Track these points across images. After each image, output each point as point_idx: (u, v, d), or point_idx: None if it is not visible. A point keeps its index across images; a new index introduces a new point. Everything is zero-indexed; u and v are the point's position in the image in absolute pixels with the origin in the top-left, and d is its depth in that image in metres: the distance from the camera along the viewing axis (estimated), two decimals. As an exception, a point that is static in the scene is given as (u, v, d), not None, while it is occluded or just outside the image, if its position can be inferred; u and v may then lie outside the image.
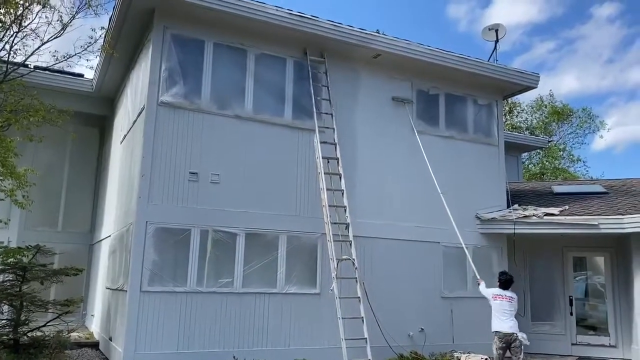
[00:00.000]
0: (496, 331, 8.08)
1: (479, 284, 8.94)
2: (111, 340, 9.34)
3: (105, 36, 9.76)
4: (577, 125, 32.54)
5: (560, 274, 12.13)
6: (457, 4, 49.95)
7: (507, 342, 7.97)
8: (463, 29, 50.11)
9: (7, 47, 8.79)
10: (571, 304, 11.92)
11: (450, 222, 9.98)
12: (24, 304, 8.81)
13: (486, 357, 9.13)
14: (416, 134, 10.90)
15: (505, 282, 8.39)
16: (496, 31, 13.03)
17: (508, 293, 8.28)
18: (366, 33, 10.38)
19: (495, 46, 12.94)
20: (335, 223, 9.36)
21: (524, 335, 8.02)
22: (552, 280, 12.18)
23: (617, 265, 11.71)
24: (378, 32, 11.01)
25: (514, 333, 7.94)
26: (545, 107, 32.56)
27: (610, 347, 11.50)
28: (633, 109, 49.18)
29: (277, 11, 9.48)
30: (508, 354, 8.09)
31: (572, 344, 11.73)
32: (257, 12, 9.31)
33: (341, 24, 10.14)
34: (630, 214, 10.56)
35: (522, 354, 8.00)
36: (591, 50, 50.08)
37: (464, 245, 9.80)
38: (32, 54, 8.97)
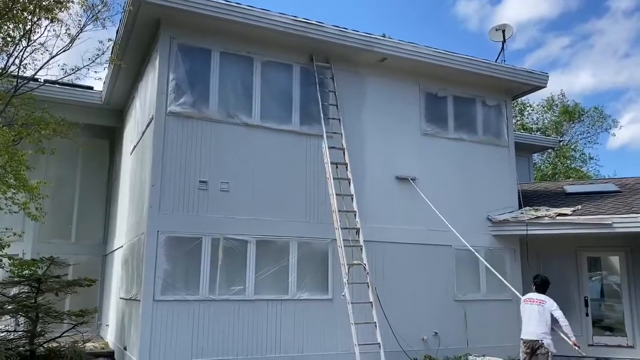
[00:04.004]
0: (521, 338, 7.81)
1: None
2: (126, 350, 9.39)
3: (112, 48, 9.86)
4: (589, 124, 32.24)
5: (575, 275, 11.98)
6: (467, 1, 49.73)
7: (532, 347, 7.62)
8: (473, 27, 49.87)
9: (17, 61, 8.90)
10: (587, 305, 11.78)
11: (460, 225, 9.94)
12: (40, 315, 8.91)
13: (501, 359, 9.03)
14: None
15: (541, 284, 7.96)
16: (503, 31, 12.98)
17: (539, 296, 7.84)
18: (372, 37, 10.39)
19: (503, 46, 12.90)
20: (345, 228, 9.34)
21: (551, 343, 7.57)
22: (567, 281, 12.05)
23: (632, 265, 11.56)
24: (384, 36, 11.01)
25: (538, 340, 7.54)
26: (557, 106, 32.30)
27: (628, 348, 11.33)
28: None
29: (282, 18, 9.53)
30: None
31: (589, 345, 11.56)
32: (262, 19, 9.36)
33: (347, 29, 10.17)
34: (645, 212, 10.43)
35: None
36: (607, 45, 49.36)
37: (472, 249, 9.72)
38: (41, 67, 9.06)
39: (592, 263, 12.27)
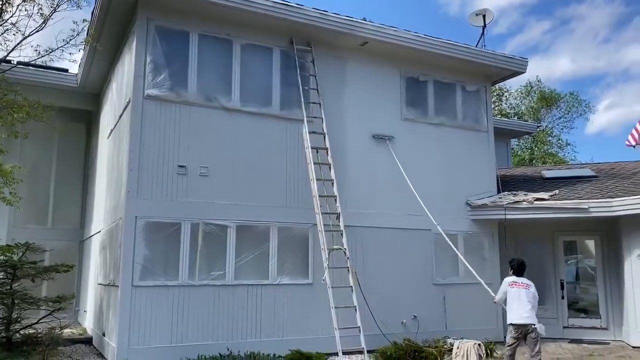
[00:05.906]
0: (511, 323, 7.54)
1: (495, 302, 8.44)
2: (104, 336, 9.30)
3: (88, 29, 9.61)
4: (565, 109, 32.65)
5: (552, 258, 12.20)
6: (448, -15, 49.53)
7: (523, 332, 7.45)
8: (454, 11, 49.85)
9: (-12, 42, 8.63)
10: (562, 288, 12.01)
11: (439, 209, 10.00)
12: (15, 301, 8.76)
13: (479, 342, 9.15)
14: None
15: (518, 267, 7.79)
16: (484, 16, 13.01)
17: (524, 280, 7.69)
18: (353, 20, 10.30)
19: (483, 32, 12.93)
20: (325, 213, 9.33)
21: (542, 327, 7.49)
22: (544, 265, 12.25)
23: (607, 248, 11.79)
24: (365, 20, 10.93)
25: (530, 324, 7.39)
26: (534, 92, 32.61)
27: (601, 329, 11.60)
28: (628, 89, 49.13)
29: (262, 0, 9.37)
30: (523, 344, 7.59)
31: (564, 327, 11.83)
32: (242, 1, 9.20)
33: (327, 11, 10.07)
34: (620, 196, 10.63)
35: (538, 346, 7.41)
36: (587, 30, 49.69)
37: (442, 232, 9.83)
38: (13, 49, 8.82)
39: (568, 247, 12.50)
